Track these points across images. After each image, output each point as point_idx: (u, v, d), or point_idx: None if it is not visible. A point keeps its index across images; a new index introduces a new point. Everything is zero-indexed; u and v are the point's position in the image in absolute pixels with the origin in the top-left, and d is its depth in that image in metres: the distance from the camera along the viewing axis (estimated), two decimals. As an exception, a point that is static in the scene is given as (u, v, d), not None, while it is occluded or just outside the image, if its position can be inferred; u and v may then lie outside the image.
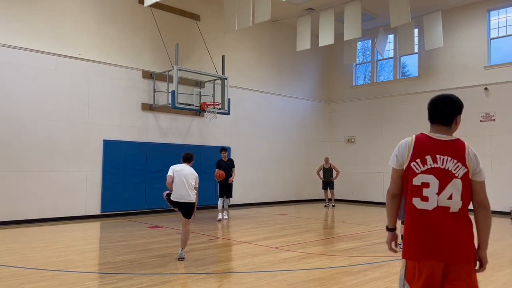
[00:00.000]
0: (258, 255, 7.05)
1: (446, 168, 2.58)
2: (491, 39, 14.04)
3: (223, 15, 12.52)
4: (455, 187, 2.55)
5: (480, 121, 13.87)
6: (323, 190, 15.36)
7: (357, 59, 17.22)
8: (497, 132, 13.52)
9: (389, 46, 16.46)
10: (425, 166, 2.62)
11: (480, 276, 5.89)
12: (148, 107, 12.46)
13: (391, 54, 16.52)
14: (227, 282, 5.39)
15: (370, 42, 17.31)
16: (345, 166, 17.00)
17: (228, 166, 11.32)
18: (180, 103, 11.66)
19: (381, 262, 6.52)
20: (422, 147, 2.66)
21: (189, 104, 12.08)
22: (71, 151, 10.93)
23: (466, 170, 2.57)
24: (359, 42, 17.49)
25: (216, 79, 12.92)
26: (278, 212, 13.30)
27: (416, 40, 14.77)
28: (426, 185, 2.59)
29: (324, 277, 5.60)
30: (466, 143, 2.66)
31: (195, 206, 6.83)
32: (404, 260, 2.66)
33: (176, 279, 5.55)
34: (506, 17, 13.87)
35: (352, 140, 17.36)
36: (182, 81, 12.00)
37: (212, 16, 14.12)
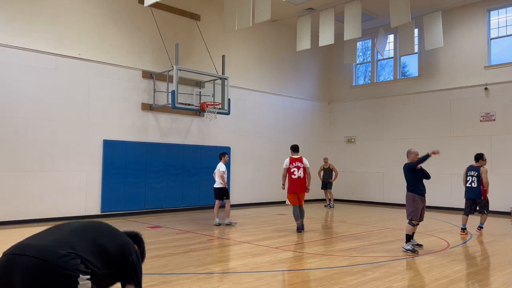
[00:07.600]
0: (258, 255, 7.05)
1: (299, 166, 9.49)
2: (491, 39, 14.03)
3: (223, 15, 12.52)
4: (302, 171, 9.48)
5: (480, 121, 13.86)
6: (323, 190, 15.37)
7: (357, 59, 17.20)
8: (497, 132, 13.51)
9: (389, 46, 16.46)
10: (293, 165, 9.51)
11: (480, 276, 5.95)
12: (148, 107, 12.46)
13: (391, 54, 16.52)
14: (227, 282, 5.38)
15: (370, 42, 17.31)
16: (345, 166, 17.00)
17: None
18: (180, 103, 11.66)
19: (381, 262, 6.52)
20: (292, 160, 9.58)
21: (189, 104, 12.07)
22: (71, 151, 10.93)
23: (303, 166, 9.52)
24: (359, 42, 17.49)
25: (216, 79, 12.91)
26: (278, 212, 13.30)
27: (416, 40, 14.76)
28: (295, 171, 9.45)
29: (324, 277, 5.60)
30: (303, 157, 9.64)
31: (224, 187, 10.30)
32: (287, 194, 9.57)
33: (176, 279, 5.55)
34: (506, 17, 13.87)
35: (352, 140, 17.35)
36: (182, 81, 11.99)
37: (212, 16, 14.12)
